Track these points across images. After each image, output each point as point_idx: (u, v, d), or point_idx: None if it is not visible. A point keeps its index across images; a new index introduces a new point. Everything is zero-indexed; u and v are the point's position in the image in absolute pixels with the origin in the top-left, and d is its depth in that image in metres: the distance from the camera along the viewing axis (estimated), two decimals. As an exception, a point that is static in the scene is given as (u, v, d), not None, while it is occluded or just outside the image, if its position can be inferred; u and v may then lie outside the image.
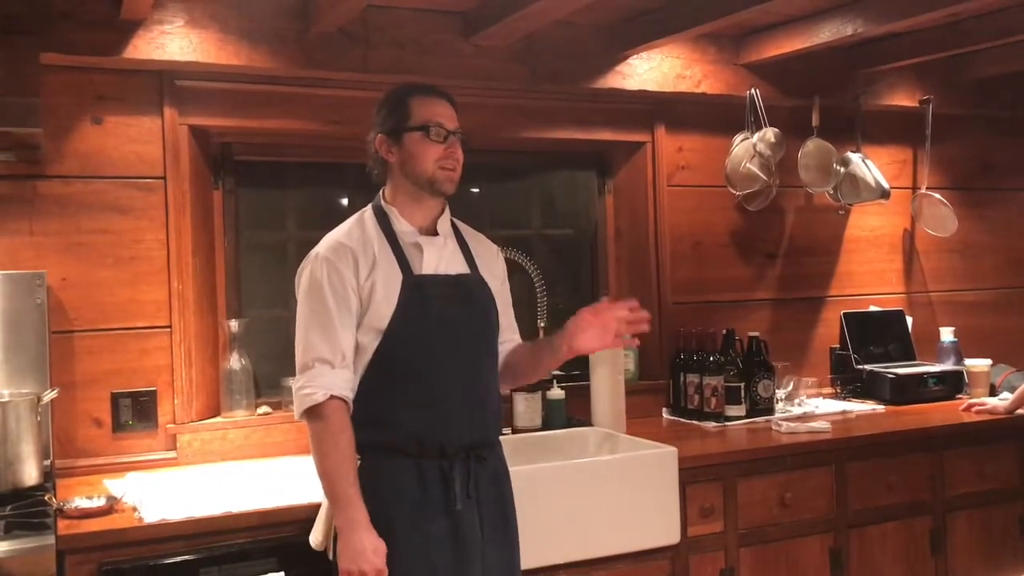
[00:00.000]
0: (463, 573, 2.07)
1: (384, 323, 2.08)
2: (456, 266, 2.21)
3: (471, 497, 2.10)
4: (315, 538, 2.19)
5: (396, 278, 2.10)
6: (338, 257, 2.09)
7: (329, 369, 2.05)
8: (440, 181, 2.14)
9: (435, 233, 2.20)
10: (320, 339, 2.06)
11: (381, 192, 2.23)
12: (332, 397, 2.03)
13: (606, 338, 2.15)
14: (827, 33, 3.26)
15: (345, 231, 2.16)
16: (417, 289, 2.11)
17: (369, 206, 2.22)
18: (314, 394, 2.02)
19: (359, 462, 2.07)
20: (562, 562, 2.58)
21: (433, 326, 2.10)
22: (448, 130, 2.13)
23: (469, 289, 2.20)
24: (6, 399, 2.50)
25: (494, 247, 2.37)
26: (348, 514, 2.00)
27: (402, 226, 2.16)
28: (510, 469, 2.27)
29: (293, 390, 2.09)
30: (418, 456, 2.08)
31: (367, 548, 1.98)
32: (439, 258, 2.17)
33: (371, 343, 2.09)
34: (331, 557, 2.12)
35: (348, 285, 2.08)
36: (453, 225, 2.28)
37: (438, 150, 2.12)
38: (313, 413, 2.04)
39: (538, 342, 2.35)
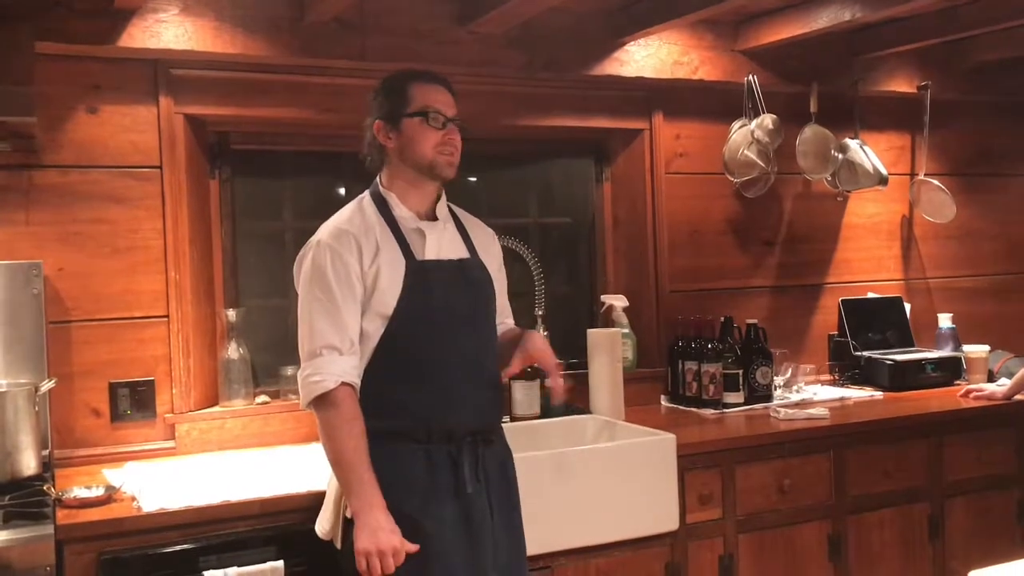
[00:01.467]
0: (476, 557, 2.08)
1: (389, 309, 2.08)
2: (456, 251, 2.21)
3: (480, 481, 2.11)
4: (322, 527, 2.19)
5: (400, 264, 2.10)
6: (341, 243, 2.08)
7: (338, 356, 2.04)
8: (440, 166, 2.14)
9: (434, 218, 2.20)
10: (327, 326, 2.05)
11: (378, 178, 2.22)
12: (343, 384, 2.03)
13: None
14: (825, 19, 3.25)
15: (346, 217, 2.15)
16: (421, 274, 2.11)
17: (367, 192, 2.22)
18: (324, 381, 2.02)
19: None
20: (561, 549, 2.59)
21: (438, 311, 2.11)
22: (446, 116, 2.13)
23: (470, 273, 2.20)
24: (4, 389, 2.50)
25: (490, 231, 2.37)
26: (365, 497, 1.99)
27: (401, 212, 2.16)
28: (509, 457, 2.28)
29: (299, 379, 2.07)
30: (426, 441, 2.08)
31: (384, 526, 1.98)
32: (440, 243, 2.18)
33: (376, 330, 2.09)
34: (339, 546, 2.12)
35: (352, 271, 2.07)
36: (450, 210, 2.28)
37: (436, 136, 2.12)
38: (323, 401, 2.03)
39: (509, 337, 2.34)
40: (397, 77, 2.18)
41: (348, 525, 2.07)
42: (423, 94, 2.13)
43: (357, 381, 2.07)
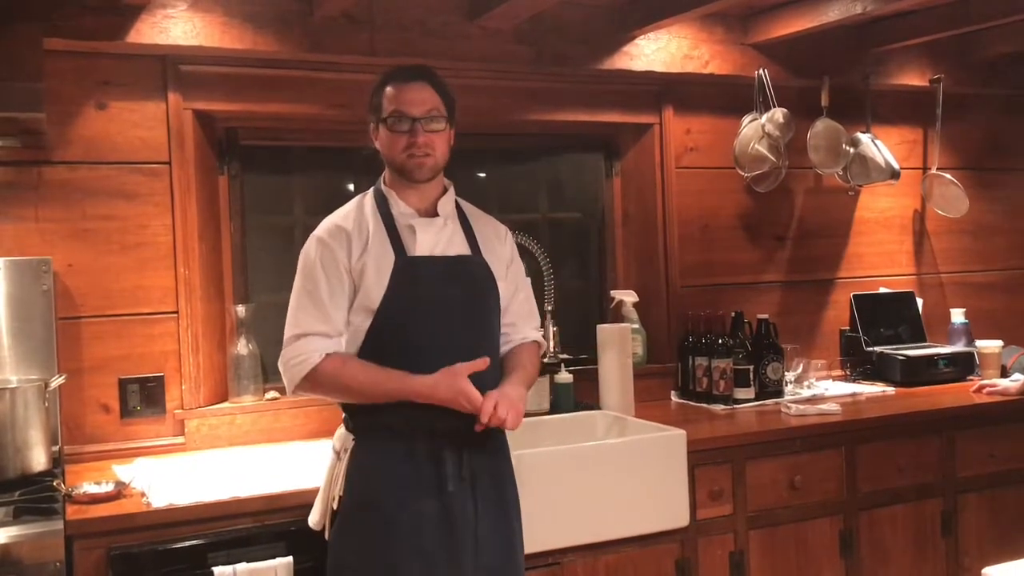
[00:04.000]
0: (454, 555, 2.07)
1: (375, 303, 2.09)
2: (455, 247, 2.19)
3: (465, 479, 2.09)
4: (313, 518, 2.21)
5: (388, 259, 2.11)
6: (332, 238, 2.12)
7: (323, 339, 2.08)
8: (409, 169, 2.14)
9: (435, 215, 2.19)
10: (313, 315, 2.09)
11: (383, 175, 2.23)
12: (327, 356, 2.06)
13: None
14: (836, 12, 3.23)
15: (343, 213, 2.19)
16: (409, 270, 2.11)
17: (371, 189, 2.23)
18: (309, 358, 2.05)
19: (352, 444, 2.10)
20: (570, 545, 2.58)
21: (424, 306, 2.10)
22: (413, 116, 2.11)
23: (467, 270, 2.18)
24: (14, 385, 2.51)
25: (502, 229, 2.34)
26: (405, 384, 2.03)
27: (400, 208, 2.17)
28: (518, 453, 2.27)
29: (280, 366, 2.11)
30: (409, 437, 2.08)
31: (440, 383, 2.02)
32: (436, 239, 2.16)
33: (363, 324, 2.10)
34: (327, 536, 2.14)
35: (341, 265, 2.10)
36: (459, 207, 2.27)
37: (402, 140, 2.12)
38: (315, 375, 2.06)
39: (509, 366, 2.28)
40: (380, 80, 2.20)
41: (334, 516, 2.10)
42: (391, 97, 2.14)
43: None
